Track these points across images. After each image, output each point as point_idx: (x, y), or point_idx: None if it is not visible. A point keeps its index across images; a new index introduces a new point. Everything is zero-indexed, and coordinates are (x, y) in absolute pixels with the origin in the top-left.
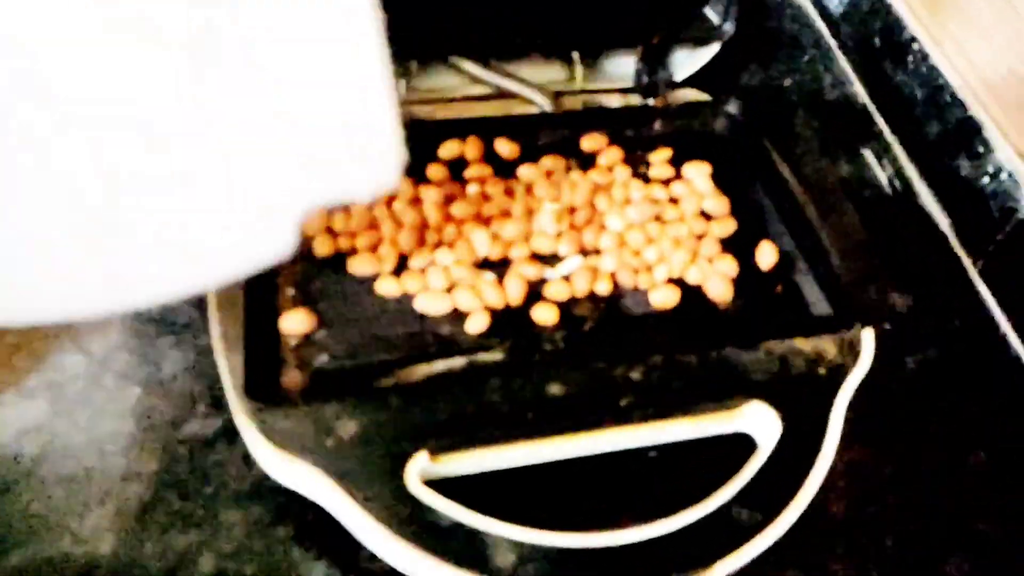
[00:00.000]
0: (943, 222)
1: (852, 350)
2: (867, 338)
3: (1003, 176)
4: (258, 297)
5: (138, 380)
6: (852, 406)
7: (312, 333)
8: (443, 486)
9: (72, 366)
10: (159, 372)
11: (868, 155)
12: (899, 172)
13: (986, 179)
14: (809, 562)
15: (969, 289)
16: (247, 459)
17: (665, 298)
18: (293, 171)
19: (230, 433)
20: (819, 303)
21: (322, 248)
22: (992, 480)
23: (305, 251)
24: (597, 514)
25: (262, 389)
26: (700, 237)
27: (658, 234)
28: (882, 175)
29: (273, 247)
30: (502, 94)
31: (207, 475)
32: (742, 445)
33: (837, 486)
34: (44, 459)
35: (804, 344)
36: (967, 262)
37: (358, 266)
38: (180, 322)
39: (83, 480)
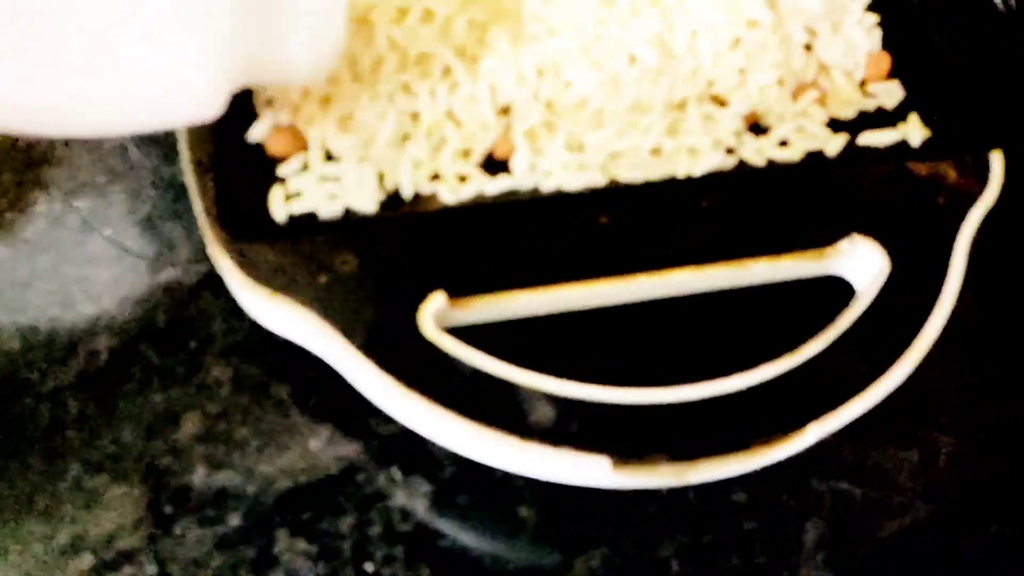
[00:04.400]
0: None
1: (978, 175)
2: (996, 162)
3: None
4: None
5: (109, 221)
6: (973, 243)
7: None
8: (465, 337)
9: (30, 203)
10: (134, 213)
11: None
12: None
13: None
14: (908, 433)
15: None
16: (238, 311)
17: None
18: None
19: (218, 281)
20: (934, 123)
21: None
22: None
23: None
24: (656, 371)
25: (241, 217)
26: None
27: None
28: None
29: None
30: None
31: (191, 327)
32: (838, 296)
33: (946, 343)
34: None
35: (919, 168)
36: None
37: None
38: (157, 157)
39: (45, 332)
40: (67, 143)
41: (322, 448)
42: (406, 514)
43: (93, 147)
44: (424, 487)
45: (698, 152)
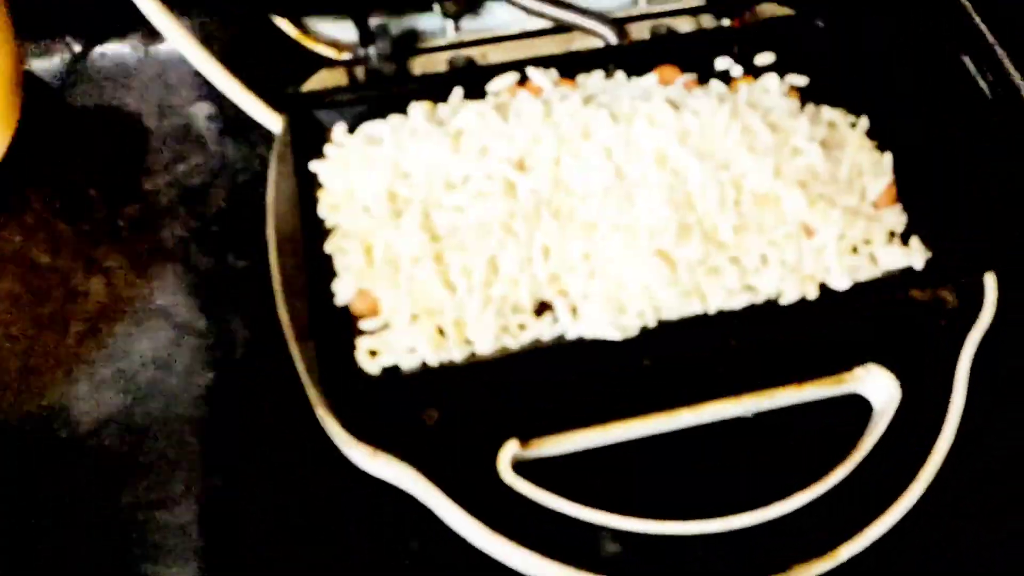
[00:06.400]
0: None
1: (974, 298)
2: (990, 284)
3: None
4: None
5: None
6: (974, 362)
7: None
8: (529, 467)
9: (140, 353)
10: (233, 353)
11: (968, 62)
12: (1002, 76)
13: None
14: (936, 538)
15: None
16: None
17: None
18: None
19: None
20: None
21: None
22: None
23: None
24: (704, 492)
25: (338, 381)
26: None
27: None
28: (983, 82)
29: None
30: (560, 28)
31: (291, 459)
32: (853, 404)
33: (962, 452)
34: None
35: (920, 295)
36: None
37: None
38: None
39: (165, 470)
40: None
41: None
42: None
43: None
44: None
45: (725, 291)
